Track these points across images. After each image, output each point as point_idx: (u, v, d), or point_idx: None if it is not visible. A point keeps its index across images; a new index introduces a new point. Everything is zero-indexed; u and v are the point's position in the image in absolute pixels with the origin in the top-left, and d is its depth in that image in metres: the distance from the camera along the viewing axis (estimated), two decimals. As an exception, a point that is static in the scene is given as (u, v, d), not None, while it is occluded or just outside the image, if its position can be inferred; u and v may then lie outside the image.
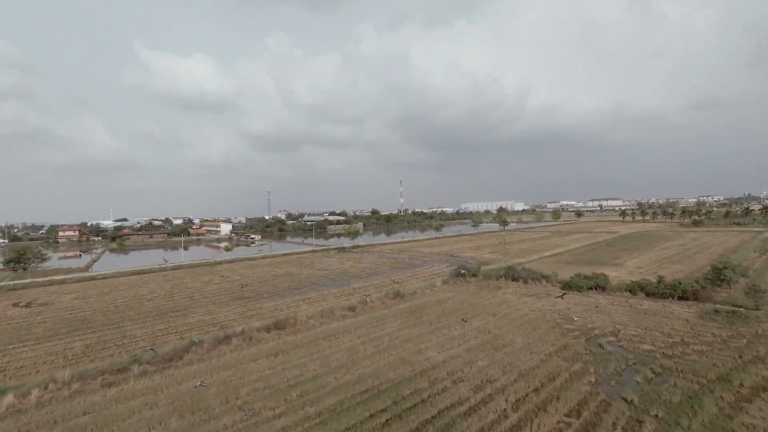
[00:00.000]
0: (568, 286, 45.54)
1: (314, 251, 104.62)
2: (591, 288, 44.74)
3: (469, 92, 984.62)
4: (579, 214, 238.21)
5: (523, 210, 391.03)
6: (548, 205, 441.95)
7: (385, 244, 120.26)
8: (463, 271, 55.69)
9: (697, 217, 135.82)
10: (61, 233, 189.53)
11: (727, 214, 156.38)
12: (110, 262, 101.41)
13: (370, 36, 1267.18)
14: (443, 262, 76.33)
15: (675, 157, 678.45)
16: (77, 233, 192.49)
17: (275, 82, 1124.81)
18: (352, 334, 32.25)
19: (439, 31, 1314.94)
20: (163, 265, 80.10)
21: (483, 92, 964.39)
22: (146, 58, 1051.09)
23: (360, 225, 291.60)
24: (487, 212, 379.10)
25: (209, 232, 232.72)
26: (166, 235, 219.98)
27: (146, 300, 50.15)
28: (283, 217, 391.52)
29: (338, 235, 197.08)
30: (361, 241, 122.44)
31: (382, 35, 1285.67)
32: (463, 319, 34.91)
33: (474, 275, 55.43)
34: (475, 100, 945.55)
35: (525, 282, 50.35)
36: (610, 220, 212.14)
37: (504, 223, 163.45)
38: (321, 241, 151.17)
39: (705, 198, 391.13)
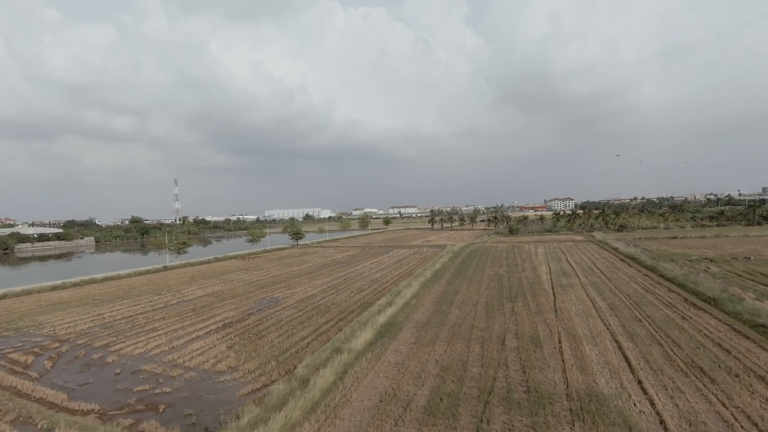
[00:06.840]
0: None
1: None
2: None
3: (276, 97, 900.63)
4: (387, 221, 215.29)
5: (329, 217, 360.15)
6: (354, 212, 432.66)
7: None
8: None
9: (513, 224, 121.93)
10: None
11: (523, 220, 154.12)
12: None
13: (157, 15, 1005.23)
14: None
15: (449, 172, 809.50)
16: None
17: (7, 46, 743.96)
18: None
19: (243, 27, 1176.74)
20: None
21: (291, 99, 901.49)
22: None
23: (86, 241, 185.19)
24: (292, 219, 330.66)
25: None
26: None
27: None
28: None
29: (43, 258, 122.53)
30: None
31: (173, 17, 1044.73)
32: None
33: None
34: (283, 106, 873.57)
35: None
36: (418, 228, 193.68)
37: (297, 236, 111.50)
38: None
39: (478, 206, 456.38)
